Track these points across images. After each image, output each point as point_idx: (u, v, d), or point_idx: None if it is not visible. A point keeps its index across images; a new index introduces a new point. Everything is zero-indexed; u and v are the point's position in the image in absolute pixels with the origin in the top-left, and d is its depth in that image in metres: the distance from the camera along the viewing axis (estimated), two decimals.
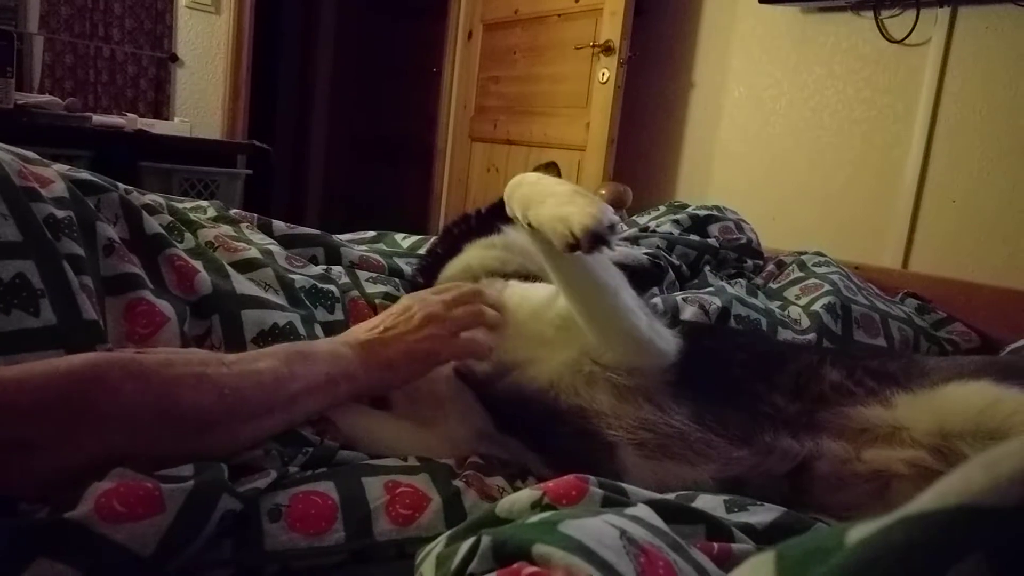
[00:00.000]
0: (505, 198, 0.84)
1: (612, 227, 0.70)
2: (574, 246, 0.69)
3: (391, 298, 1.09)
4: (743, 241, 1.78)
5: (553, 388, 0.83)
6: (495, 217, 1.09)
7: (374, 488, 0.67)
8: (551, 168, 1.22)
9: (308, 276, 1.04)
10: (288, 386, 0.71)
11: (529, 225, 0.77)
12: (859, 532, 0.25)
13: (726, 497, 0.69)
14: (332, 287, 1.05)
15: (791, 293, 1.55)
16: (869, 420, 0.81)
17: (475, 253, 1.06)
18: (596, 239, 0.69)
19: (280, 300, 0.95)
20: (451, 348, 0.84)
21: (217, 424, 0.64)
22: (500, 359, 0.87)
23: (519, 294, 0.94)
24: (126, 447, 0.57)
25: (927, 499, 0.24)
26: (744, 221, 1.86)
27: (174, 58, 3.61)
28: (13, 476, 0.52)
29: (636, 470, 0.78)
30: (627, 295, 0.81)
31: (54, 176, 0.82)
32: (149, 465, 0.58)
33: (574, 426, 0.81)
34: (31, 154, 0.85)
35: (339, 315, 1.02)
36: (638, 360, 0.83)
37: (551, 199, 0.74)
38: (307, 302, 0.99)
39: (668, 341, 0.85)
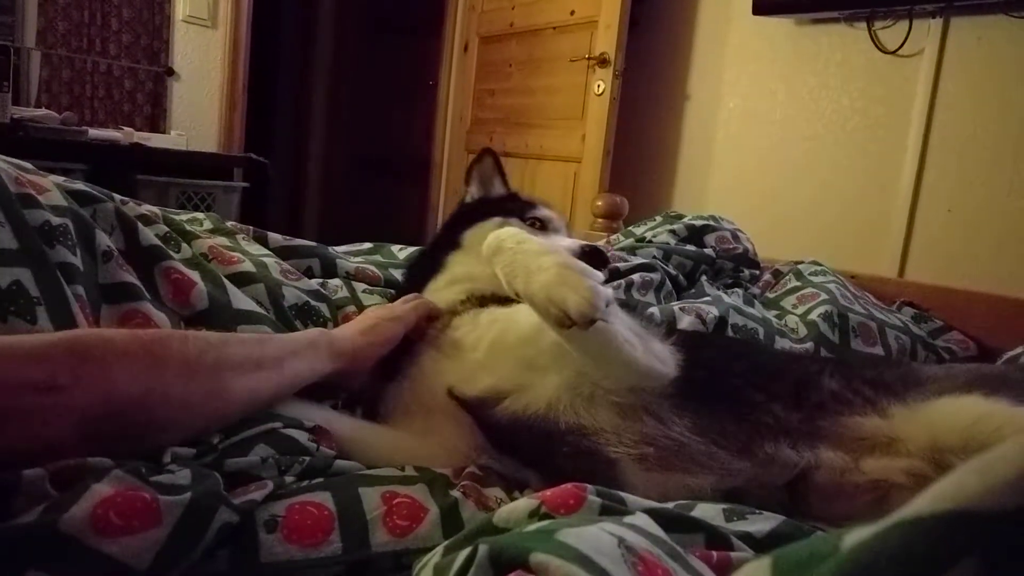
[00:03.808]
0: (485, 254, 0.86)
1: (607, 304, 0.72)
2: (568, 325, 0.71)
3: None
4: (739, 251, 1.79)
5: (552, 410, 0.82)
6: (450, 242, 1.10)
7: (371, 499, 0.67)
8: (487, 156, 1.22)
9: (303, 291, 1.04)
10: (269, 346, 0.77)
11: (516, 293, 0.79)
12: (854, 537, 0.25)
13: (725, 506, 0.69)
14: (324, 306, 1.05)
15: (788, 302, 1.55)
16: (867, 430, 0.81)
17: (442, 296, 1.03)
18: (591, 320, 0.70)
19: (272, 317, 0.96)
20: (405, 307, 0.97)
21: (208, 370, 0.68)
22: (493, 385, 0.86)
23: (503, 318, 0.92)
24: (130, 390, 0.61)
25: (922, 504, 0.24)
26: (740, 231, 1.86)
27: (170, 72, 3.62)
28: (48, 419, 0.56)
29: (638, 483, 0.77)
30: (620, 326, 0.80)
31: (50, 186, 0.82)
32: (159, 415, 0.63)
33: (574, 445, 0.80)
34: (27, 164, 0.85)
35: None
36: (638, 383, 0.82)
37: (540, 276, 0.75)
38: (297, 321, 0.99)
39: (667, 361, 0.84)
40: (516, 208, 1.12)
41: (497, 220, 1.08)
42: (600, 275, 0.75)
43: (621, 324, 0.81)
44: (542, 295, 0.73)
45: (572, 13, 3.09)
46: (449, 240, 1.10)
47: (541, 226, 1.10)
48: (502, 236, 0.85)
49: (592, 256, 0.94)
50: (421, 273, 1.10)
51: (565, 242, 0.99)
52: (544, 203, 1.17)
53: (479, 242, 0.99)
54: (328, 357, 0.83)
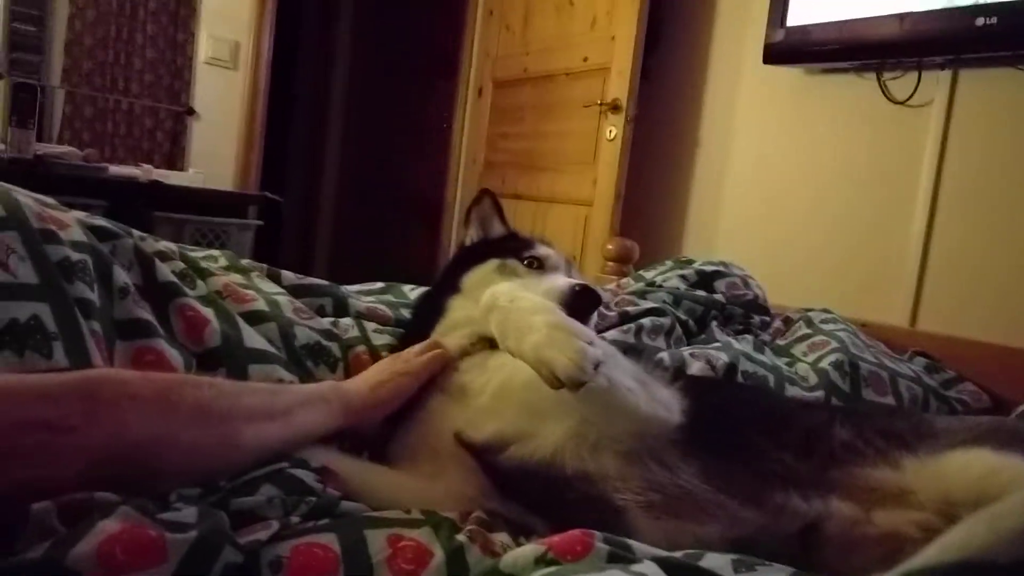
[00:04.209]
0: (480, 311, 0.88)
1: (596, 365, 0.73)
2: (559, 386, 0.73)
3: (397, 349, 1.10)
4: (750, 297, 1.78)
5: (557, 456, 0.81)
6: (451, 286, 1.10)
7: (376, 541, 0.66)
8: (485, 197, 1.23)
9: (314, 330, 1.05)
10: (281, 397, 0.78)
11: (510, 351, 0.80)
12: None
13: (734, 556, 0.68)
14: (335, 346, 1.05)
15: (798, 350, 1.55)
16: (878, 481, 0.80)
17: (447, 341, 1.02)
18: (580, 383, 0.71)
19: (283, 356, 0.96)
20: (418, 359, 0.96)
21: (219, 418, 0.69)
22: (498, 430, 0.85)
23: (510, 363, 0.90)
24: (142, 433, 0.62)
25: (930, 554, 0.24)
26: (750, 277, 1.86)
27: (191, 111, 3.69)
28: (59, 458, 0.56)
29: (645, 531, 0.76)
30: (621, 375, 0.80)
31: (71, 221, 0.84)
32: (169, 460, 0.64)
33: (580, 492, 0.80)
34: (49, 199, 0.87)
35: (340, 375, 1.03)
36: (641, 431, 0.82)
37: (531, 336, 0.76)
38: (308, 361, 1.00)
39: (671, 407, 0.84)
40: (513, 248, 1.12)
41: (495, 262, 1.09)
42: (591, 334, 0.76)
43: (622, 372, 0.81)
44: (532, 356, 0.75)
45: (585, 60, 3.15)
46: (450, 284, 1.11)
47: (539, 265, 1.10)
48: (496, 293, 0.86)
49: (583, 296, 0.94)
50: (425, 317, 1.11)
51: (559, 282, 1.00)
52: (542, 241, 1.17)
53: (477, 285, 1.01)
54: (340, 413, 0.84)
